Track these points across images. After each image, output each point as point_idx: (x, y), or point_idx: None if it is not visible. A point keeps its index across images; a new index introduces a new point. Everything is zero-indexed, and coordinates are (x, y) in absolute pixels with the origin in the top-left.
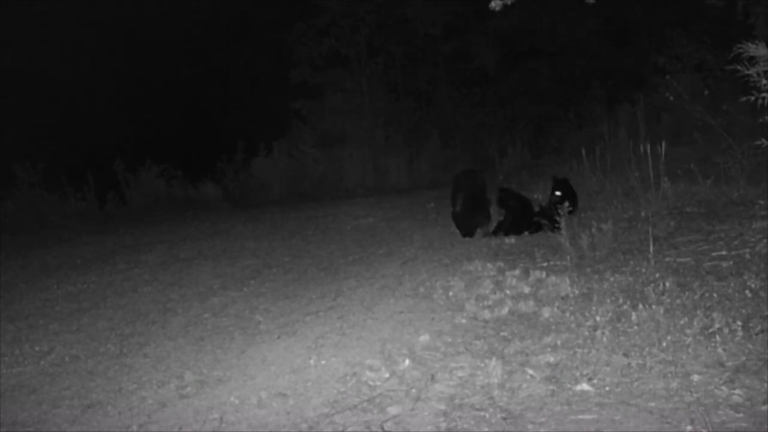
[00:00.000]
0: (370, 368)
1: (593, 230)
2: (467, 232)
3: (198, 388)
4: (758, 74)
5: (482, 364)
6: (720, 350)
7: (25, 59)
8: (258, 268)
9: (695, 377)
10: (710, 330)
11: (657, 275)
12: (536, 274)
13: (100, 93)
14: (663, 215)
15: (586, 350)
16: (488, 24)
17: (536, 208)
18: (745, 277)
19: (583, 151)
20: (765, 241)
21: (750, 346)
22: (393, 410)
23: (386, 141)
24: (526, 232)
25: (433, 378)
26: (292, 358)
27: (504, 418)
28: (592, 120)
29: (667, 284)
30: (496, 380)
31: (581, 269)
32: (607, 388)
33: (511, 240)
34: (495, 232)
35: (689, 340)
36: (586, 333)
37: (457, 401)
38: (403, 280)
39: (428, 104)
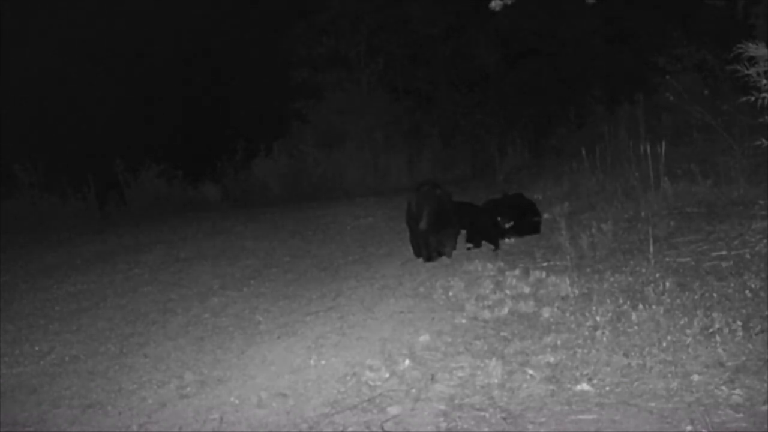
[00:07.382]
0: (370, 368)
1: (593, 230)
2: (429, 256)
3: (198, 388)
4: (758, 74)
5: (482, 364)
6: (720, 350)
7: (25, 59)
8: (258, 268)
9: (695, 377)
10: (710, 330)
11: (657, 275)
12: (536, 274)
13: (100, 93)
14: (663, 215)
15: (586, 350)
16: (488, 24)
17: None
18: (745, 277)
19: (583, 151)
20: (765, 241)
21: (750, 346)
22: (393, 410)
23: (386, 141)
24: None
25: (433, 378)
26: (292, 358)
27: (504, 418)
28: (592, 120)
29: (667, 284)
30: (496, 380)
31: (581, 269)
32: (607, 388)
33: (510, 240)
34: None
35: (689, 340)
36: (586, 333)
37: (457, 401)
38: (403, 280)
39: (428, 104)
